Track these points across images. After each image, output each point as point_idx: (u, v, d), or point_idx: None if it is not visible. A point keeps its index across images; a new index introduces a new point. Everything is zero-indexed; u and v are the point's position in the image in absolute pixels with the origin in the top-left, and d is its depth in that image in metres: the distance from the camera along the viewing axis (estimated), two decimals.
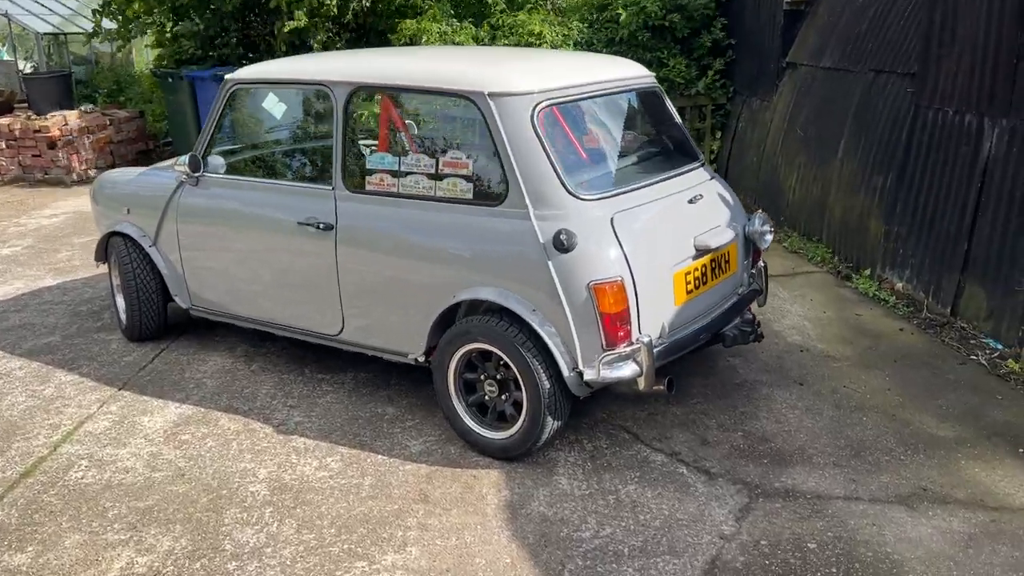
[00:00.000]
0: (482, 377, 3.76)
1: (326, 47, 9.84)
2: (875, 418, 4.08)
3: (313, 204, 4.14)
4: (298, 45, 9.85)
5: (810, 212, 7.04)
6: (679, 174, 4.11)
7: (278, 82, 4.41)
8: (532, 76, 3.75)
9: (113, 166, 10.45)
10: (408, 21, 9.36)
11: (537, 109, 3.58)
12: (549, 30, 9.03)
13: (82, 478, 3.70)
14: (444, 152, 3.81)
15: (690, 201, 3.96)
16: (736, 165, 8.84)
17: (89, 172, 10.50)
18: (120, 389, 4.57)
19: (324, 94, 4.14)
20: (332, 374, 4.67)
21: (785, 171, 7.60)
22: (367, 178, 4.00)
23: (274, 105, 4.61)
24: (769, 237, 4.30)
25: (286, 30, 9.24)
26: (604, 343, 3.42)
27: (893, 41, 6.24)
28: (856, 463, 3.69)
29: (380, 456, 3.83)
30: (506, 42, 9.12)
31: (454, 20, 9.44)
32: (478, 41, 9.31)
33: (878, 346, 4.94)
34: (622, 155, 4.28)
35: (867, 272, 6.01)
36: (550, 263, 3.44)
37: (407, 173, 3.88)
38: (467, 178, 3.72)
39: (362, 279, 4.03)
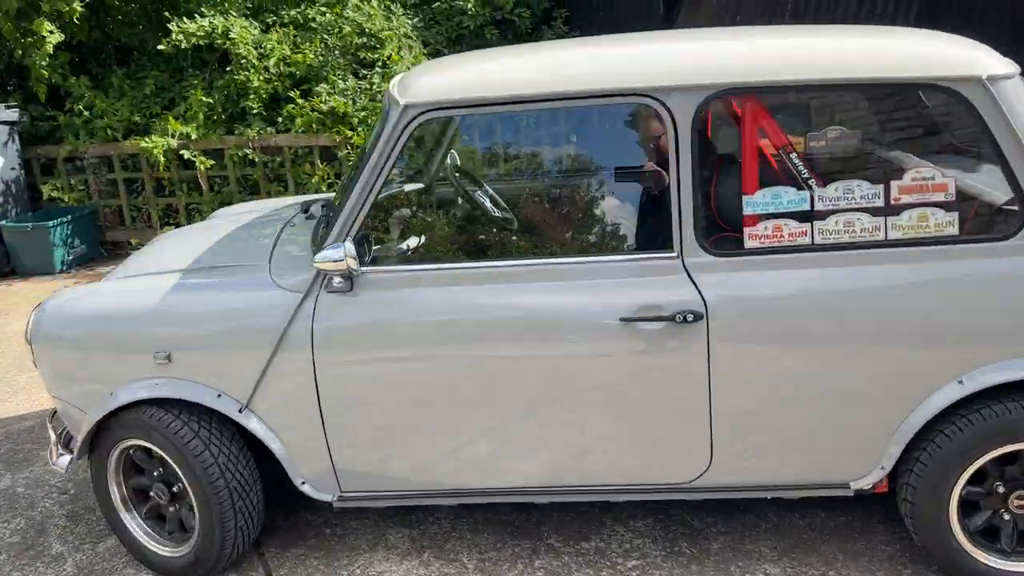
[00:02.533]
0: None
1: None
2: None
3: (643, 286, 2.57)
4: None
5: None
6: None
7: (525, 100, 2.63)
8: (987, 53, 2.64)
9: None
10: (188, 22, 7.11)
11: None
12: (387, 24, 7.47)
13: None
14: (897, 172, 2.54)
15: None
16: None
17: None
18: None
19: (642, 110, 2.57)
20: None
21: None
22: (748, 230, 2.56)
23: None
24: None
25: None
26: None
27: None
28: None
29: None
30: (335, 42, 7.35)
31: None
32: (298, 46, 7.39)
33: None
34: None
35: None
36: None
37: (829, 212, 2.54)
38: (945, 205, 2.51)
39: (760, 388, 2.58)
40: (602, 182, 2.80)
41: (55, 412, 3.17)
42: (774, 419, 2.62)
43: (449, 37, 7.85)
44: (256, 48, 7.25)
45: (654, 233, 2.70)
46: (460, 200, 2.84)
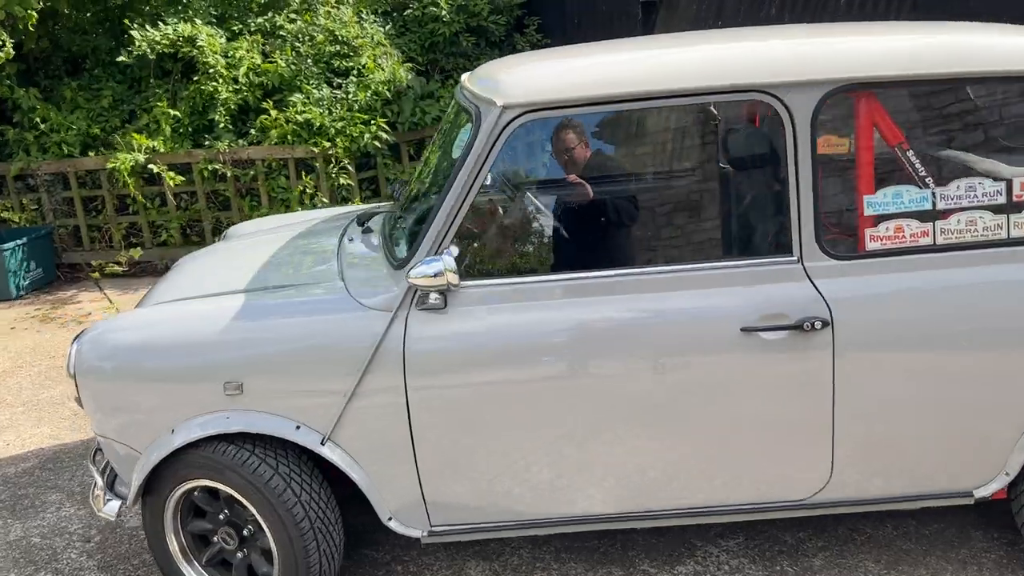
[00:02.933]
0: None
1: None
2: None
3: (763, 293, 2.44)
4: None
5: None
6: None
7: (632, 99, 2.45)
8: None
9: None
10: (151, 30, 6.73)
11: None
12: (361, 31, 7.21)
13: None
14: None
15: None
16: None
17: None
18: None
19: (755, 107, 2.44)
20: None
21: None
22: (868, 232, 2.45)
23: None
24: None
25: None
26: None
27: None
28: None
29: None
30: (307, 50, 7.06)
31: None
32: (268, 55, 7.07)
33: None
34: None
35: None
36: None
37: (951, 211, 2.45)
38: None
39: (885, 396, 2.47)
40: (706, 183, 2.65)
41: (97, 452, 2.85)
42: (900, 428, 2.51)
43: (422, 45, 7.63)
44: (224, 57, 6.90)
45: (768, 236, 2.57)
46: (559, 207, 2.65)
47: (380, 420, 2.53)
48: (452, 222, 2.47)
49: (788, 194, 2.43)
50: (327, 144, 6.71)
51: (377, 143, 6.83)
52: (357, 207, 3.98)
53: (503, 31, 7.96)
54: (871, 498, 2.61)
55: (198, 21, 7.03)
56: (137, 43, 6.77)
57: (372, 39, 7.25)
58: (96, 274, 7.00)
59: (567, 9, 7.97)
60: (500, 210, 2.59)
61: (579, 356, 2.47)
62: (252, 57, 6.97)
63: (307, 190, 6.80)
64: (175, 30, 6.89)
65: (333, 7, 7.38)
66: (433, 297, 2.47)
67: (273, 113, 6.77)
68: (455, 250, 2.44)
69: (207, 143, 6.86)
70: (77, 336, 2.71)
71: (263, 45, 7.14)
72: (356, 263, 2.81)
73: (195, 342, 2.57)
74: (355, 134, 6.78)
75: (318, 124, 6.70)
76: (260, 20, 7.33)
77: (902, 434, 2.52)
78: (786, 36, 2.71)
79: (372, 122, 6.79)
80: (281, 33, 7.25)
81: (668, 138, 2.63)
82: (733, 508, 2.63)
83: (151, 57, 6.86)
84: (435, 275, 2.40)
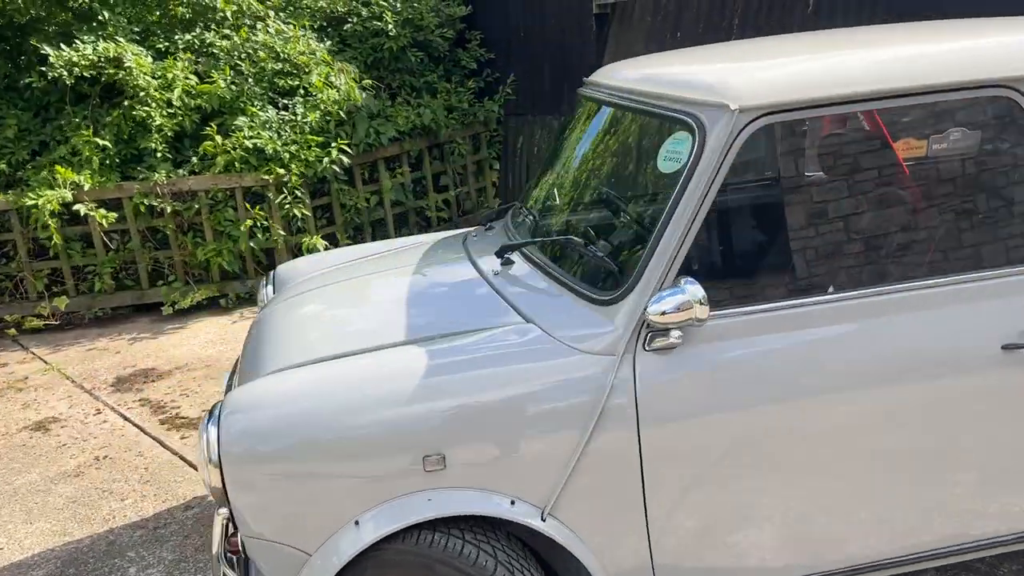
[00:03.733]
0: None
1: None
2: None
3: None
4: None
5: None
6: None
7: (874, 98, 2.16)
8: None
9: None
10: (68, 50, 5.92)
11: None
12: (308, 47, 6.65)
13: None
14: None
15: None
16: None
17: None
18: None
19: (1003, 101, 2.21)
20: None
21: None
22: None
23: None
24: None
25: None
26: None
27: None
28: None
29: None
30: (248, 69, 6.42)
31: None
32: (202, 78, 6.38)
33: None
34: None
35: None
36: None
37: None
38: None
39: None
40: (950, 186, 2.39)
41: (238, 558, 2.28)
42: None
43: (365, 61, 7.14)
44: (154, 78, 6.17)
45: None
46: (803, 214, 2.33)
47: (609, 481, 2.13)
48: (681, 246, 2.12)
49: None
50: (280, 171, 6.11)
51: (336, 167, 6.30)
52: (419, 236, 3.52)
53: (447, 46, 7.59)
54: None
55: (121, 40, 6.26)
56: (54, 65, 5.93)
57: (316, 56, 6.70)
58: (12, 331, 6.06)
59: (511, 22, 7.69)
60: (737, 224, 2.26)
61: (855, 387, 2.18)
62: (186, 78, 6.27)
63: (259, 223, 6.17)
64: (95, 49, 6.10)
65: (273, 22, 6.78)
66: (675, 335, 2.11)
67: (218, 139, 6.11)
68: (691, 280, 2.09)
69: (142, 175, 6.09)
70: (210, 414, 2.15)
71: (196, 64, 6.45)
72: (532, 300, 2.40)
73: (381, 408, 2.08)
74: (310, 159, 6.22)
75: (270, 149, 6.09)
76: (188, 37, 6.63)
77: None
78: (1003, 31, 2.52)
79: (332, 145, 6.25)
80: (213, 51, 6.58)
81: (909, 140, 2.39)
82: (1012, 538, 2.39)
83: (68, 81, 6.03)
84: (678, 309, 2.05)
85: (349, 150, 6.32)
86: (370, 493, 2.07)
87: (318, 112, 6.38)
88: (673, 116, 2.26)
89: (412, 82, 7.37)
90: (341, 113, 6.45)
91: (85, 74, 6.05)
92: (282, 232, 6.23)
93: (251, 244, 6.17)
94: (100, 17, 6.38)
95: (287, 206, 6.17)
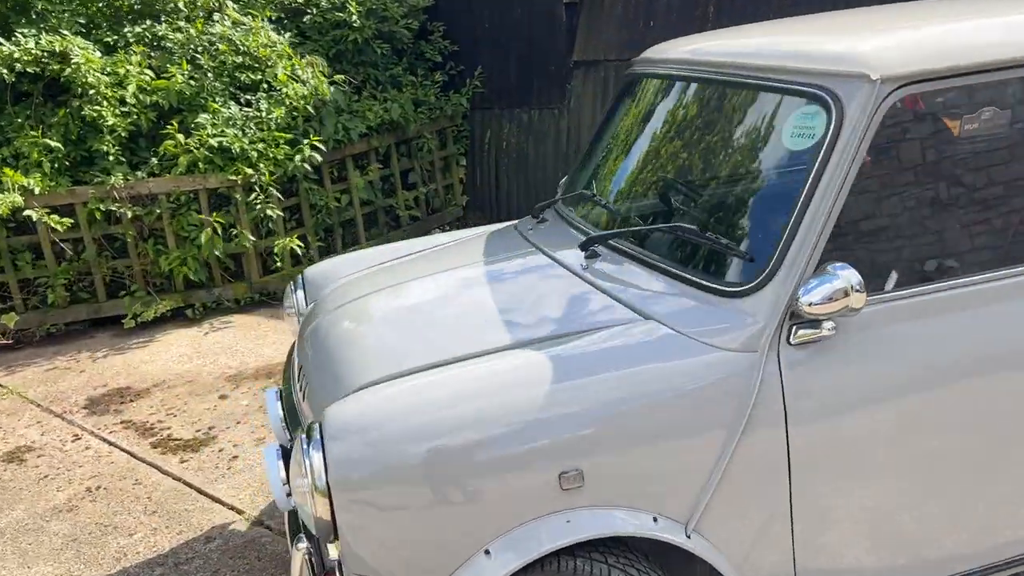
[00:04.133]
0: None
1: None
2: None
3: None
4: None
5: None
6: None
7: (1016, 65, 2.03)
8: None
9: None
10: (6, 44, 5.43)
11: None
12: (269, 39, 6.26)
13: None
14: None
15: None
16: (500, 189, 7.56)
17: None
18: None
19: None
20: None
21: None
22: None
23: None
24: None
25: None
26: None
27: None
28: None
29: None
30: (207, 62, 6.01)
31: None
32: (157, 73, 5.94)
33: None
34: None
35: None
36: None
37: None
38: None
39: None
40: None
41: None
42: None
43: (327, 54, 6.78)
44: (104, 74, 5.71)
45: None
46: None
47: (755, 489, 1.95)
48: (824, 227, 1.95)
49: None
50: (249, 171, 5.74)
51: (308, 166, 5.95)
52: (452, 233, 3.26)
53: (411, 37, 7.30)
54: None
55: (65, 32, 5.77)
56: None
57: (277, 48, 6.33)
58: None
59: (475, 12, 7.44)
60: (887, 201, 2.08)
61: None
62: (141, 73, 5.82)
63: (228, 226, 5.79)
64: (38, 43, 5.61)
65: (230, 13, 6.37)
66: (827, 326, 1.93)
67: (179, 137, 5.69)
68: (843, 265, 1.91)
69: (98, 178, 5.63)
70: (307, 436, 1.87)
71: (150, 58, 6.00)
72: (640, 294, 2.18)
73: (513, 418, 1.84)
74: (279, 157, 5.86)
75: (237, 148, 5.71)
76: (138, 30, 6.17)
77: None
78: None
79: (304, 142, 5.91)
80: (167, 44, 6.14)
81: None
82: None
83: (9, 78, 5.53)
84: (830, 298, 1.88)
85: (322, 147, 5.98)
86: (501, 517, 1.83)
87: (283, 108, 6.02)
88: (800, 89, 2.08)
89: (376, 75, 7.05)
90: (309, 108, 6.11)
91: (28, 70, 5.56)
92: (251, 236, 5.85)
93: (216, 252, 5.76)
94: (37, 8, 5.87)
95: (258, 207, 5.80)
